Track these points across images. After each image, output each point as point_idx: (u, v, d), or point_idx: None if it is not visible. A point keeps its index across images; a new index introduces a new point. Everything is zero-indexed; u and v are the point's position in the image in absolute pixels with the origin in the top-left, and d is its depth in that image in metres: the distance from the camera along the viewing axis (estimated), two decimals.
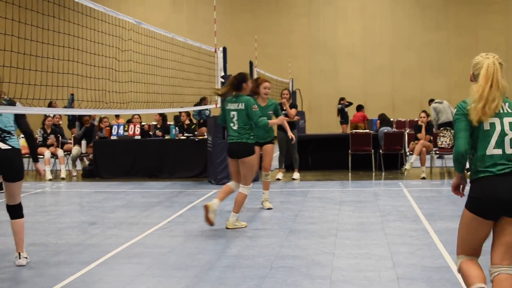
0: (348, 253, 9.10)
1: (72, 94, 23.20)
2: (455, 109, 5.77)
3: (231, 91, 11.16)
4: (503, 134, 5.54)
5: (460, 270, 5.82)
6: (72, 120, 25.95)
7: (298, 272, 8.09)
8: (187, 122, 21.51)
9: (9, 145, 8.46)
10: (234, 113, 11.01)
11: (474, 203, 5.58)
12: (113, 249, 9.56)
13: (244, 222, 11.26)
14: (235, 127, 11.02)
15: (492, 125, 5.56)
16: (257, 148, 11.71)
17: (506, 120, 5.57)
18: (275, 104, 12.79)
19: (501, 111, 5.58)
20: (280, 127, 18.01)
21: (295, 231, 10.75)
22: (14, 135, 8.59)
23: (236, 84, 11.12)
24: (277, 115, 12.59)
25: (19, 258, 8.61)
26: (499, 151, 5.51)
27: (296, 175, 18.22)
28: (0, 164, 8.43)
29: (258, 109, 11.15)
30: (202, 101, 22.94)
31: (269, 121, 11.24)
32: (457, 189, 5.97)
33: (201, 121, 22.73)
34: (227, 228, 10.97)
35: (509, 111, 5.61)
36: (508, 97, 5.72)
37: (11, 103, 8.64)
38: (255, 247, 9.57)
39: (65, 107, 22.55)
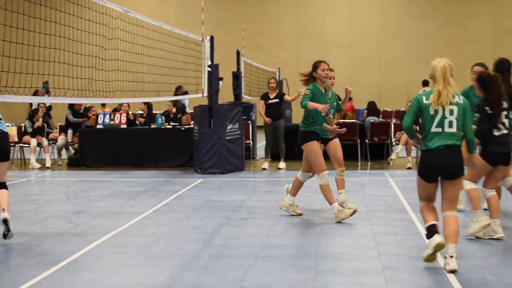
0: (333, 243, 9.12)
1: (46, 82, 23.07)
2: (413, 98, 8.05)
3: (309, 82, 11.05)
4: (443, 117, 7.77)
5: (420, 211, 8.16)
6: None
7: (283, 261, 8.10)
8: (174, 111, 21.47)
9: None
10: None
11: (421, 172, 7.98)
12: (98, 238, 9.54)
13: (299, 210, 11.23)
14: None
15: (436, 111, 7.77)
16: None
17: (447, 108, 7.76)
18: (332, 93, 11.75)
19: (452, 101, 7.78)
20: (267, 116, 18.01)
21: (280, 220, 10.75)
22: (2, 120, 9.06)
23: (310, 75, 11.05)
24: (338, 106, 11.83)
25: (3, 212, 8.93)
26: (439, 129, 7.76)
27: (282, 164, 18.22)
28: None
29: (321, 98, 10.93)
30: (178, 89, 22.90)
31: (309, 103, 10.52)
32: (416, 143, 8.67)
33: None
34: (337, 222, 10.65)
35: (454, 101, 7.79)
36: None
37: None
38: (240, 236, 9.58)
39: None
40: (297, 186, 11.33)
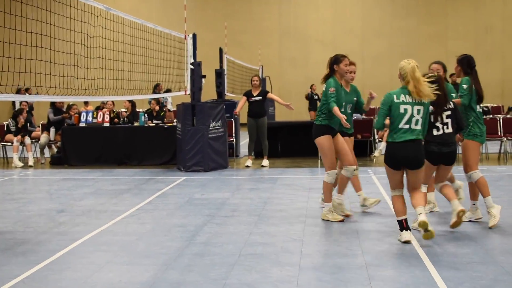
0: (317, 240, 9.13)
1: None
2: (385, 97, 8.84)
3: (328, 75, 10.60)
4: (411, 116, 8.70)
5: (392, 200, 9.10)
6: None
7: (267, 259, 8.09)
8: (157, 109, 21.42)
9: None
10: None
11: (387, 160, 8.92)
12: (81, 236, 9.51)
13: (339, 216, 10.47)
14: None
15: (406, 110, 8.69)
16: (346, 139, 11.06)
17: (415, 108, 8.70)
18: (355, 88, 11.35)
19: (414, 100, 8.73)
20: (251, 114, 18.02)
21: (264, 218, 10.75)
22: None
23: (328, 68, 10.64)
24: (358, 102, 11.34)
25: None
26: (407, 126, 8.69)
27: (265, 162, 18.22)
28: None
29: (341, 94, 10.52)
30: (156, 87, 22.90)
31: (335, 108, 10.13)
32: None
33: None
34: (322, 219, 10.57)
35: (422, 101, 8.72)
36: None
37: None
38: (224, 234, 9.56)
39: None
40: (343, 183, 10.86)
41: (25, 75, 10.77)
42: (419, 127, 8.76)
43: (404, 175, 9.01)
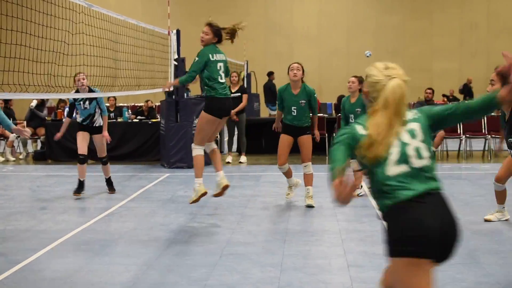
0: (298, 240, 9.07)
1: None
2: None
3: None
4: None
5: None
6: None
7: (248, 259, 8.04)
8: (150, 104, 21.49)
9: None
10: None
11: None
12: (63, 235, 9.43)
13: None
14: None
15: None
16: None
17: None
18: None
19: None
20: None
21: (246, 216, 10.71)
22: None
23: None
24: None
25: None
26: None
27: (243, 158, 18.17)
28: None
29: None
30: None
31: None
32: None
33: None
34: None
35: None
36: None
37: None
38: (206, 233, 9.52)
39: None
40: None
41: (7, 73, 10.61)
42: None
43: None
